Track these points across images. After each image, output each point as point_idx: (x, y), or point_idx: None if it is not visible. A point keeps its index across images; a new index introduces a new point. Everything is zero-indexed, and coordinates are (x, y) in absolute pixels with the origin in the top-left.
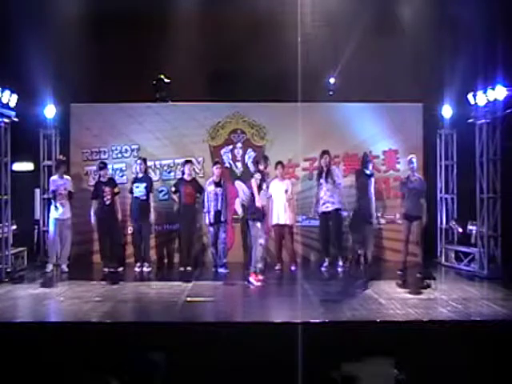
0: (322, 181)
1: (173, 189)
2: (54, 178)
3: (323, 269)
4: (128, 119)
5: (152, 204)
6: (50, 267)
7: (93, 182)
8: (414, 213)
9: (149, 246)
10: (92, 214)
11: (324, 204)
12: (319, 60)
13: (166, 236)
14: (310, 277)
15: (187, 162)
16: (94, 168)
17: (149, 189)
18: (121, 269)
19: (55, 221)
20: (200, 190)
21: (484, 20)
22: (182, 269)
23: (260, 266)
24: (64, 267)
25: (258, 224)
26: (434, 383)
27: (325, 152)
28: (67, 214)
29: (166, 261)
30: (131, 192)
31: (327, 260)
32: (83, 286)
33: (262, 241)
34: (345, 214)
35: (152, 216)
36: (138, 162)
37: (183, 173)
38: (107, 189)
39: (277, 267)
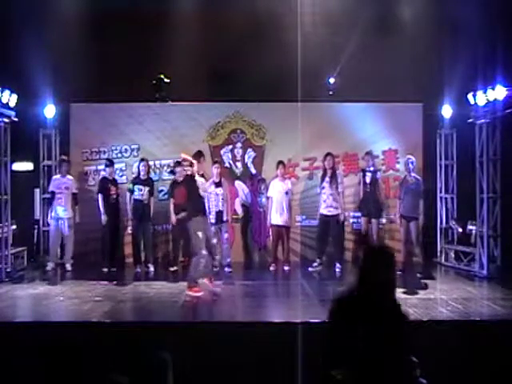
0: (326, 184)
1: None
2: (56, 176)
3: (310, 269)
4: (128, 119)
5: (152, 205)
6: (50, 266)
7: (93, 182)
8: (410, 213)
9: (152, 246)
10: (102, 210)
11: (327, 207)
12: (319, 60)
13: (165, 236)
14: (310, 277)
15: (177, 163)
16: (94, 168)
17: (152, 192)
18: (119, 269)
19: (55, 220)
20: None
21: (484, 20)
22: (172, 268)
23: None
24: (68, 266)
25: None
26: (434, 383)
27: (328, 154)
28: (69, 214)
29: (165, 260)
30: (132, 193)
31: (318, 261)
32: (83, 285)
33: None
34: (345, 214)
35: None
36: (142, 163)
37: (175, 174)
38: (113, 188)
39: (272, 267)
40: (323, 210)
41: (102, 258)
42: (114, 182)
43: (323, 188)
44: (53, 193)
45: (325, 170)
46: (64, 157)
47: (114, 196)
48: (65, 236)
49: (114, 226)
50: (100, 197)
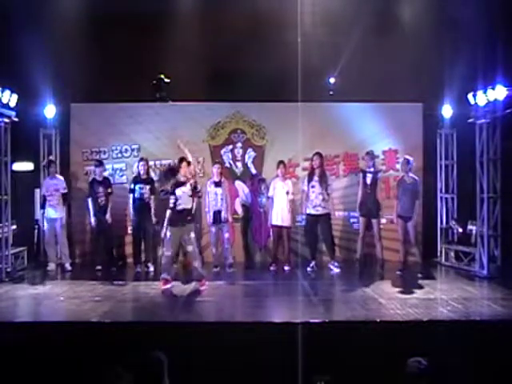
0: (316, 183)
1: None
2: (47, 179)
3: (309, 269)
4: (128, 119)
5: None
6: (51, 266)
7: None
8: (408, 213)
9: (152, 246)
10: (91, 212)
11: (315, 207)
12: (319, 60)
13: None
14: (310, 277)
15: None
16: (94, 168)
17: (153, 190)
18: (114, 269)
19: (48, 221)
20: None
21: (484, 20)
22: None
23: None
24: (67, 266)
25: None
26: (434, 383)
27: (316, 153)
28: (59, 214)
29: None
30: (133, 192)
31: (313, 262)
32: (83, 285)
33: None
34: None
35: (153, 217)
36: (141, 162)
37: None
38: (101, 189)
39: (272, 267)
40: (311, 210)
41: (92, 258)
42: (105, 181)
43: (313, 187)
44: (44, 196)
45: (312, 170)
46: (51, 157)
47: (103, 198)
48: (58, 236)
49: (103, 228)
50: (89, 200)
